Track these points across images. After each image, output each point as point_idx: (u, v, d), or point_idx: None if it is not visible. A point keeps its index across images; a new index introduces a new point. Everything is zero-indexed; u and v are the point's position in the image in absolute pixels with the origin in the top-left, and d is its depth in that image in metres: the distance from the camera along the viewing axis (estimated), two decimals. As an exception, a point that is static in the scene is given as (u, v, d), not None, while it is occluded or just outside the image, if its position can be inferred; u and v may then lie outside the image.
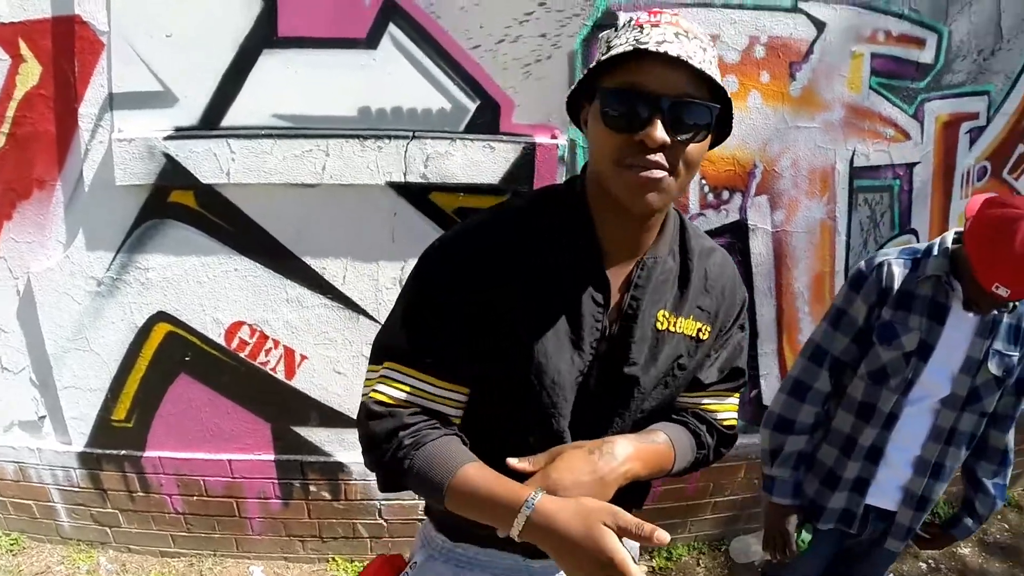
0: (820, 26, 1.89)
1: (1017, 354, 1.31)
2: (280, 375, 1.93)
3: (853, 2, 1.92)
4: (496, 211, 0.91)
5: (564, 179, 1.74)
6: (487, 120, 1.76)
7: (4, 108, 1.83)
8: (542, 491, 0.77)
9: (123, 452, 2.04)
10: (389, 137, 1.69)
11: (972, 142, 2.23)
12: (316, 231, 1.79)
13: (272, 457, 2.02)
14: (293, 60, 1.69)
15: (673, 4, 1.75)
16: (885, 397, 1.34)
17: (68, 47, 1.75)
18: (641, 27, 0.76)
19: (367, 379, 0.89)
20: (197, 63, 1.71)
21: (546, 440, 0.87)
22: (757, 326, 2.07)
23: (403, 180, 1.73)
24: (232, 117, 1.72)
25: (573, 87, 0.82)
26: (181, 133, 1.73)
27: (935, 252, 1.29)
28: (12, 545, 2.28)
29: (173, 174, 1.73)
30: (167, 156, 1.72)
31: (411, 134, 1.71)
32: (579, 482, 0.79)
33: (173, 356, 1.91)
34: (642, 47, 0.72)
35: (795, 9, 1.87)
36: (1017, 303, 1.27)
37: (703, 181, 1.91)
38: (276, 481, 2.04)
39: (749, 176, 1.94)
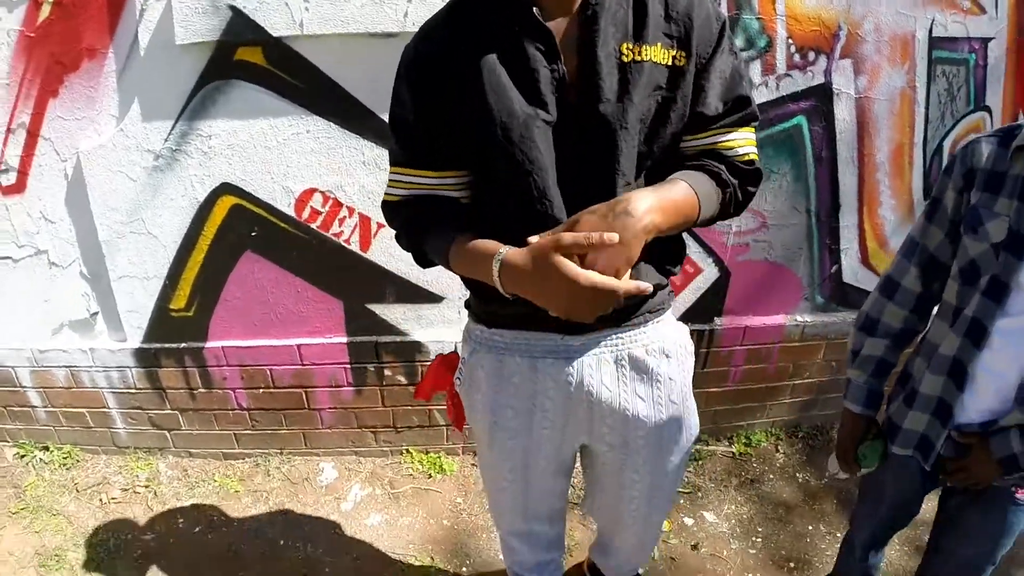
0: None
1: None
2: (355, 246, 1.88)
3: None
4: (443, 7, 0.96)
5: None
6: None
7: (48, -24, 1.78)
8: (507, 248, 0.88)
9: (183, 345, 1.99)
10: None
11: None
12: (394, 85, 1.75)
13: (344, 340, 1.98)
14: (366, -102, 1.65)
15: None
16: (976, 303, 1.08)
17: (118, -101, 1.70)
18: None
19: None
20: (264, -96, 1.66)
21: (546, 204, 0.92)
22: (839, 197, 2.05)
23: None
24: (303, -37, 1.67)
25: None
26: (245, -15, 1.68)
27: None
28: (65, 459, 2.24)
29: (240, 28, 1.67)
30: (232, 8, 1.66)
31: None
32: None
33: (238, 232, 1.86)
34: None
35: None
36: None
37: (790, 40, 1.88)
38: (348, 366, 2.00)
39: (834, 38, 1.92)
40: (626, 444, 1.09)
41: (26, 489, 2.14)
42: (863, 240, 2.14)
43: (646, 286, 0.85)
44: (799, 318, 2.16)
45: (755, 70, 1.88)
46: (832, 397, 2.31)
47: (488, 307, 1.05)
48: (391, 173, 1.03)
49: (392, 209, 1.05)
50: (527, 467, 1.14)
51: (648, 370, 1.05)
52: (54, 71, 1.83)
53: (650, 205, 0.84)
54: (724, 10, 1.82)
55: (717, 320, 2.11)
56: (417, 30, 0.97)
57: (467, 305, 1.15)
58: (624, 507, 1.19)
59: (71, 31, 1.79)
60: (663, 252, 0.99)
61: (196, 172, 1.82)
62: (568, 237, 0.80)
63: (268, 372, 2.00)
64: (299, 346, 1.97)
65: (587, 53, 0.87)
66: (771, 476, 2.19)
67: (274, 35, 1.67)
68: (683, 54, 0.90)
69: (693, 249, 2.02)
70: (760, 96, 1.89)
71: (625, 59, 0.88)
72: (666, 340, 1.08)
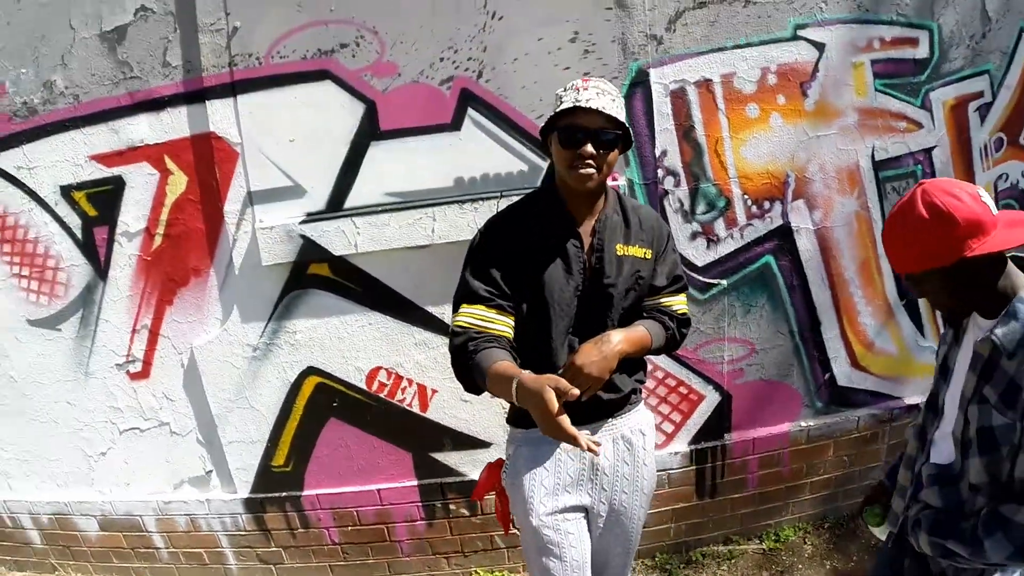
0: (820, 47, 2.25)
1: (1004, 419, 1.10)
2: (416, 409, 2.36)
3: (846, 20, 2.26)
4: (504, 209, 1.58)
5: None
6: None
7: (158, 214, 2.35)
8: (525, 373, 1.29)
9: (284, 494, 2.47)
10: (482, 199, 2.14)
11: (983, 118, 2.52)
12: (432, 283, 2.23)
13: (415, 482, 2.43)
14: (396, 148, 2.16)
15: (691, 54, 2.18)
16: (926, 415, 1.30)
17: (208, 158, 2.26)
18: (578, 89, 1.43)
19: (451, 324, 1.50)
20: (318, 160, 2.19)
21: (561, 336, 1.49)
22: (817, 314, 2.40)
23: (499, 230, 2.17)
24: (353, 199, 2.20)
25: (543, 126, 1.49)
26: (312, 217, 2.21)
27: None
28: (184, 594, 2.72)
29: (309, 251, 2.20)
30: (303, 237, 2.20)
31: (499, 194, 2.15)
32: (592, 361, 1.40)
33: (323, 404, 2.36)
34: (578, 104, 1.40)
35: (795, 38, 2.23)
36: (1002, 343, 1.11)
37: (745, 196, 2.28)
38: (420, 504, 2.45)
39: (784, 185, 2.30)
40: (612, 496, 1.60)
41: (152, 621, 2.62)
42: (849, 347, 2.47)
43: (596, 449, 1.22)
44: (803, 423, 2.48)
45: (719, 227, 2.29)
46: (851, 488, 2.59)
47: (522, 412, 1.44)
48: (461, 310, 1.46)
49: (455, 337, 1.46)
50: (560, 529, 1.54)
51: (632, 444, 1.62)
52: (168, 286, 2.39)
53: (621, 338, 1.46)
54: (684, 185, 2.27)
55: (727, 436, 2.45)
56: (481, 228, 1.54)
57: (508, 420, 1.64)
58: (610, 544, 1.65)
59: (179, 256, 2.35)
60: (634, 369, 1.60)
61: (286, 359, 2.34)
62: (562, 383, 1.20)
63: (355, 513, 2.46)
64: (379, 490, 2.43)
65: (599, 250, 1.51)
66: (801, 566, 2.46)
67: (335, 254, 2.20)
68: (649, 252, 1.57)
69: (694, 381, 2.39)
70: (727, 247, 2.30)
71: (620, 254, 1.52)
72: (642, 423, 1.66)
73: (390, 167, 2.18)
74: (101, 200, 2.36)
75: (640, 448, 1.63)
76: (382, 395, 2.35)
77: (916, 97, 2.39)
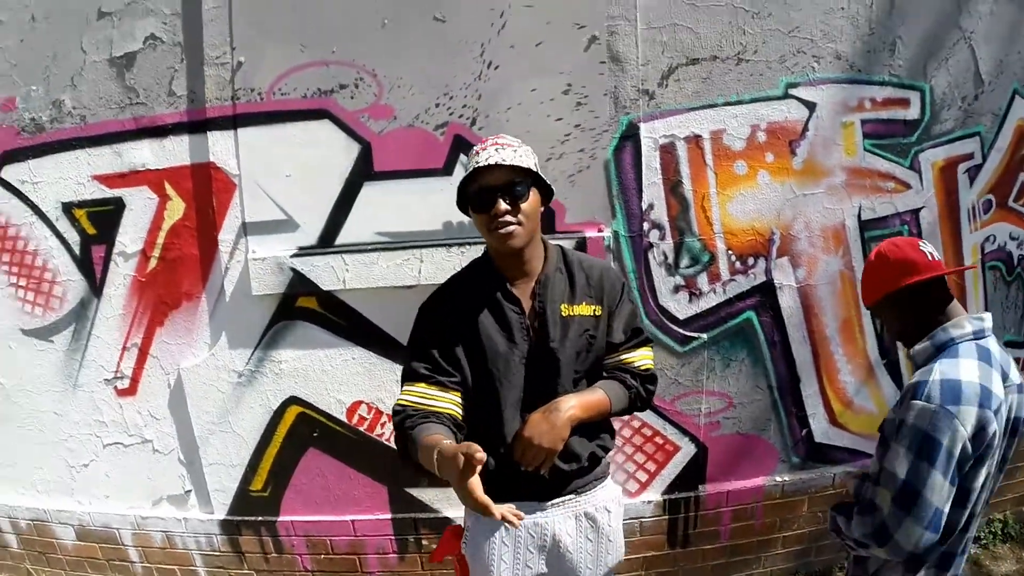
0: (811, 106, 2.34)
1: (893, 414, 1.40)
2: (394, 444, 2.41)
3: (838, 79, 2.35)
4: (446, 282, 1.58)
5: (612, 263, 2.29)
6: (545, 222, 2.25)
7: (155, 237, 2.47)
8: (447, 444, 1.26)
9: (260, 518, 2.57)
10: (469, 244, 2.24)
11: (972, 180, 2.61)
12: (416, 322, 2.35)
13: (389, 516, 2.52)
14: (388, 189, 2.28)
15: (682, 110, 2.29)
16: None
17: (207, 187, 2.38)
18: (477, 153, 1.44)
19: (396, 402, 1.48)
20: (313, 196, 2.31)
21: (512, 407, 1.47)
22: (797, 371, 2.48)
23: (484, 275, 2.28)
24: (344, 236, 2.31)
25: (456, 197, 1.51)
26: (304, 251, 2.32)
27: None
28: (155, 608, 2.82)
29: (299, 284, 2.31)
30: (293, 270, 2.31)
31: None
32: (542, 432, 1.41)
33: (303, 433, 2.46)
34: (477, 165, 1.40)
35: (786, 96, 2.33)
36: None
37: (729, 252, 2.37)
38: (393, 537, 2.53)
39: (769, 242, 2.39)
40: (576, 570, 1.58)
41: (124, 634, 2.72)
42: (828, 404, 2.55)
43: (511, 518, 1.21)
44: (778, 478, 2.55)
45: (703, 281, 2.38)
46: (824, 544, 2.66)
47: (485, 488, 1.31)
48: (405, 387, 1.47)
49: (396, 416, 1.45)
50: None
51: (596, 521, 1.60)
52: (160, 307, 2.51)
53: (571, 404, 1.45)
54: (670, 239, 2.36)
55: (701, 487, 2.53)
56: (432, 291, 1.55)
57: None
58: None
59: (172, 279, 2.47)
60: (594, 432, 1.55)
61: (270, 388, 2.45)
62: (472, 447, 1.15)
63: (328, 541, 2.55)
64: (353, 521, 2.52)
65: (540, 312, 1.49)
66: (768, 618, 2.54)
67: (324, 289, 2.31)
68: (599, 308, 1.53)
69: (670, 432, 2.47)
70: (709, 301, 2.39)
71: (564, 315, 1.49)
72: (608, 499, 1.63)
73: (382, 207, 2.29)
74: (101, 219, 2.48)
75: (605, 525, 1.61)
76: (361, 428, 2.45)
77: (905, 158, 2.48)
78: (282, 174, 2.31)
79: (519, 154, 1.43)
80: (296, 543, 2.56)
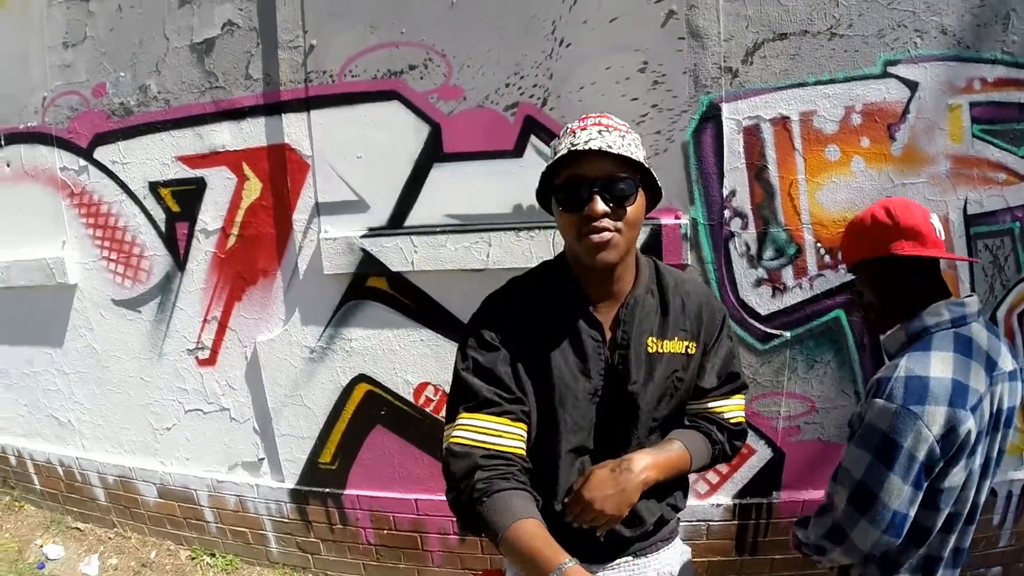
0: (912, 86, 2.25)
1: (857, 409, 1.36)
2: None
3: (943, 56, 2.23)
4: (505, 285, 1.34)
5: (689, 253, 2.35)
6: None
7: (233, 215, 2.74)
8: (573, 561, 1.04)
9: (327, 490, 2.83)
10: (539, 228, 2.36)
11: None
12: (483, 306, 2.51)
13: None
14: (457, 170, 2.42)
15: (768, 89, 2.27)
16: None
17: (282, 168, 2.60)
18: (574, 132, 1.20)
19: (444, 436, 1.25)
20: (383, 177, 2.49)
21: (571, 454, 1.26)
22: (883, 375, 2.48)
23: (552, 261, 2.40)
24: (413, 218, 2.48)
25: (537, 187, 1.27)
26: (374, 232, 2.51)
27: None
28: (227, 565, 3.19)
29: (368, 264, 2.51)
30: (363, 251, 2.52)
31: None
32: (606, 495, 1.20)
33: (371, 411, 2.69)
34: (574, 148, 1.15)
35: (885, 75, 2.25)
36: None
37: (818, 244, 2.35)
38: (454, 519, 2.73)
39: None
40: None
41: (196, 587, 3.09)
42: None
43: None
44: None
45: (787, 275, 2.38)
46: None
47: None
48: (460, 419, 1.21)
49: (455, 458, 1.19)
50: None
51: None
52: (238, 283, 2.79)
53: (647, 464, 1.23)
54: (752, 228, 2.37)
55: (775, 494, 2.56)
56: (477, 310, 1.31)
57: None
58: None
59: (250, 256, 2.73)
60: (666, 491, 1.35)
61: (340, 365, 2.68)
62: None
63: (392, 518, 2.78)
64: (416, 500, 2.74)
65: (624, 345, 1.26)
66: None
67: (393, 270, 2.49)
68: (694, 345, 1.32)
69: None
70: (794, 297, 2.39)
71: (651, 351, 1.28)
72: (672, 563, 1.45)
73: (451, 189, 2.44)
74: (184, 198, 2.77)
75: None
76: (428, 409, 2.64)
77: (1020, 146, 2.34)
78: (353, 156, 2.51)
79: (627, 141, 1.20)
80: (360, 517, 2.82)
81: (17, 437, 3.64)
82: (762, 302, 2.43)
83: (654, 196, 1.30)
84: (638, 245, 2.27)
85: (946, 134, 2.32)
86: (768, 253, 2.40)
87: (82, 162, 2.96)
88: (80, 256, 3.08)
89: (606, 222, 1.17)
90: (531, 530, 1.11)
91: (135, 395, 3.14)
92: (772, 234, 2.38)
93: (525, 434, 1.25)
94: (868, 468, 1.26)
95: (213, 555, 3.21)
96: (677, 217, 2.37)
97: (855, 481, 1.29)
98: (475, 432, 1.21)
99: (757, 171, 2.35)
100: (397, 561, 2.85)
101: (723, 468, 2.59)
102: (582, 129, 1.21)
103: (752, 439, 2.54)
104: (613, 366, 1.28)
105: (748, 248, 2.40)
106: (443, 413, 2.64)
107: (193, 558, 3.24)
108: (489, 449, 1.19)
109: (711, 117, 2.32)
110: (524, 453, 1.24)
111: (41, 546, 3.42)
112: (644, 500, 1.29)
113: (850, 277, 2.34)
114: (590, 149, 1.15)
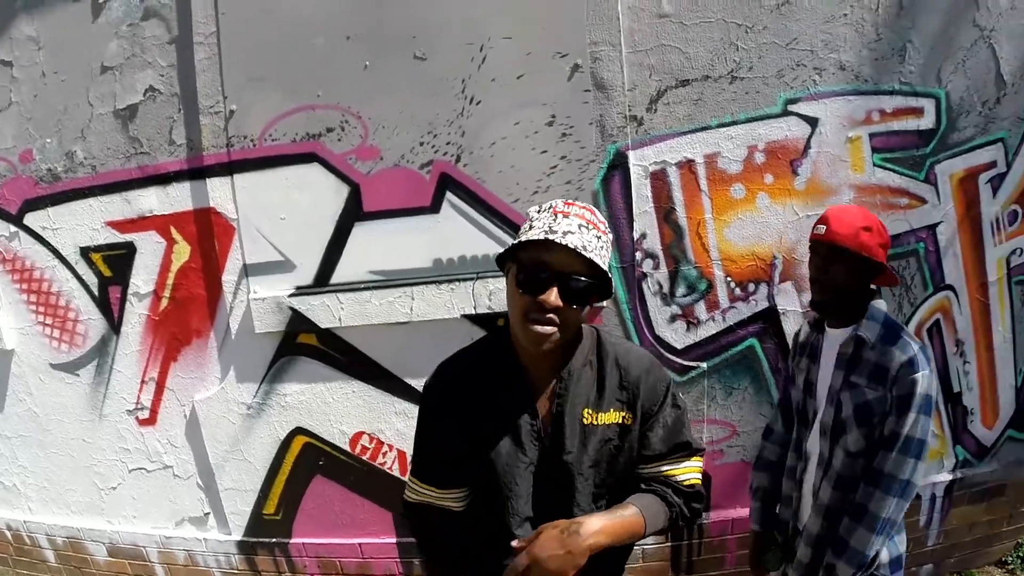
0: (812, 122, 2.44)
1: (876, 393, 1.65)
2: (396, 472, 2.81)
3: (842, 92, 2.43)
4: (455, 358, 1.45)
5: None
6: None
7: (164, 278, 2.89)
8: None
9: (274, 540, 2.98)
10: (459, 280, 2.54)
11: (995, 190, 2.64)
12: (411, 356, 2.67)
13: (395, 540, 2.89)
14: (378, 228, 2.60)
15: (673, 134, 2.47)
16: (800, 431, 1.87)
17: (209, 231, 2.75)
18: (556, 215, 1.23)
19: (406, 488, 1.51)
20: (307, 237, 2.65)
21: (519, 520, 1.37)
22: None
23: (474, 311, 2.56)
24: (338, 275, 2.65)
25: (502, 252, 1.30)
26: (301, 291, 2.67)
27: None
28: (183, 620, 3.34)
29: (298, 322, 2.67)
30: (292, 309, 2.68)
31: (475, 275, 2.55)
32: (553, 555, 1.22)
33: (310, 461, 2.85)
34: (551, 237, 1.18)
35: (786, 113, 2.44)
36: (868, 339, 1.68)
37: (728, 278, 2.56)
38: (399, 560, 2.91)
39: (771, 267, 2.55)
40: None
41: (155, 644, 3.22)
42: None
43: None
44: None
45: (700, 309, 2.59)
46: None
47: None
48: (415, 484, 1.46)
49: (408, 507, 1.50)
50: None
51: None
52: (173, 344, 2.93)
53: (597, 528, 1.26)
54: (664, 268, 2.56)
55: (705, 515, 2.77)
56: (429, 379, 1.44)
57: None
58: None
59: (183, 318, 2.87)
60: (614, 562, 1.43)
61: (277, 419, 2.84)
62: None
63: (338, 563, 2.94)
64: (360, 544, 2.91)
65: (558, 417, 1.34)
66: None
67: (322, 327, 2.66)
68: (630, 415, 1.37)
69: None
70: (708, 329, 2.60)
71: (585, 422, 1.35)
72: None
73: (373, 246, 2.61)
74: (115, 262, 2.90)
75: None
76: (364, 457, 2.82)
77: (920, 171, 2.52)
78: (277, 217, 2.67)
79: (601, 244, 1.25)
80: (308, 563, 2.98)
81: (-38, 503, 3.73)
82: (677, 337, 2.64)
83: (602, 295, 1.35)
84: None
85: (848, 165, 2.51)
86: (680, 290, 2.61)
87: (12, 228, 3.07)
88: (15, 321, 3.20)
89: (552, 316, 1.23)
90: None
91: (78, 457, 3.26)
92: (683, 272, 2.59)
93: (463, 495, 1.44)
94: (923, 426, 1.63)
95: (167, 611, 3.35)
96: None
97: (922, 442, 1.63)
98: (415, 493, 1.46)
99: (665, 213, 2.55)
100: (346, 606, 3.03)
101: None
102: (564, 216, 1.24)
103: (678, 467, 2.75)
104: (549, 437, 1.36)
105: (661, 287, 2.61)
106: (379, 460, 2.86)
107: (147, 617, 3.38)
108: (425, 504, 1.45)
109: (619, 165, 2.51)
110: (456, 507, 1.45)
111: (-8, 613, 3.53)
112: (592, 567, 1.30)
113: (761, 308, 2.59)
114: (565, 244, 1.20)
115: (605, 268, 1.25)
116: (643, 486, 1.41)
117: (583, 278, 1.22)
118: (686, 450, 1.43)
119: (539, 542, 1.25)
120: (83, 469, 3.27)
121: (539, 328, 1.23)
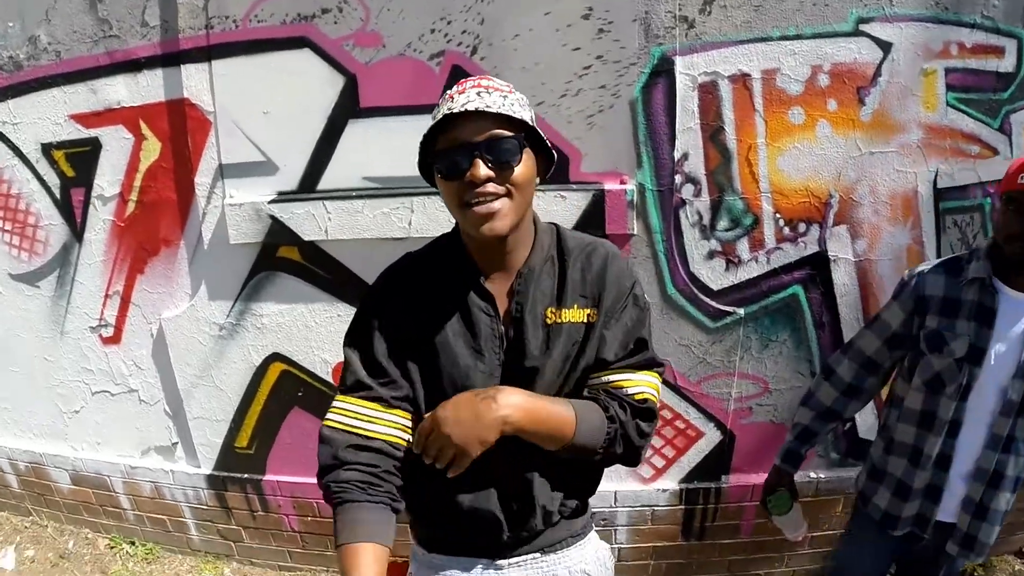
0: (886, 47, 2.07)
1: None
2: None
3: (919, 17, 2.06)
4: (402, 259, 1.26)
5: (635, 222, 2.16)
6: (557, 171, 2.14)
7: (131, 180, 2.46)
8: None
9: (246, 476, 2.63)
10: (467, 192, 2.15)
11: None
12: (405, 279, 2.29)
13: None
14: (377, 127, 2.17)
15: (728, 43, 2.06)
16: (944, 405, 1.54)
17: (181, 126, 2.32)
18: (452, 97, 1.09)
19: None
20: (293, 135, 2.22)
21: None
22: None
23: (480, 229, 2.18)
24: (327, 181, 2.23)
25: (418, 158, 1.16)
26: (283, 197, 2.26)
27: (976, 258, 1.52)
28: (147, 554, 2.99)
29: (278, 233, 2.26)
30: (272, 217, 2.26)
31: (486, 188, 2.17)
32: (458, 418, 1.07)
33: (288, 392, 2.47)
34: (450, 112, 1.05)
35: (857, 32, 2.06)
36: None
37: (777, 215, 2.16)
38: None
39: (825, 207, 2.16)
40: None
41: (111, 576, 2.91)
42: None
43: None
44: (813, 474, 2.41)
45: (743, 247, 2.19)
46: None
47: (427, 531, 1.28)
48: (335, 402, 1.15)
49: (322, 444, 1.14)
50: None
51: None
52: (140, 254, 2.52)
53: (515, 403, 1.09)
54: (706, 196, 2.16)
55: (724, 478, 2.42)
56: (381, 274, 1.23)
57: (411, 527, 1.34)
58: None
59: (151, 225, 2.46)
60: (575, 486, 1.27)
61: (252, 343, 2.44)
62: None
63: (315, 504, 2.59)
64: (338, 487, 2.57)
65: (518, 318, 1.16)
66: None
67: (305, 239, 2.25)
68: (594, 312, 1.19)
69: (693, 416, 2.34)
70: (749, 271, 2.20)
71: (548, 321, 1.17)
72: (587, 560, 1.32)
73: (369, 149, 2.18)
74: (79, 161, 2.48)
75: None
76: (347, 391, 2.45)
77: (994, 118, 2.20)
78: (260, 111, 2.23)
79: (510, 101, 1.09)
80: (283, 503, 2.63)
81: (-79, 420, 3.38)
82: (714, 276, 2.25)
83: (548, 158, 1.19)
84: (579, 213, 2.03)
85: (919, 100, 2.14)
86: (722, 223, 2.20)
87: (-29, 122, 2.66)
88: (-28, 225, 2.80)
89: (491, 187, 1.07)
90: (356, 561, 1.07)
91: (40, 377, 2.88)
92: (727, 202, 2.18)
93: (406, 421, 1.18)
94: None
95: (133, 543, 3.02)
96: (622, 182, 2.15)
97: None
98: (346, 416, 1.15)
99: (713, 132, 2.14)
100: (323, 548, 2.68)
101: (669, 452, 2.45)
102: (460, 93, 1.09)
103: (701, 421, 2.38)
104: (509, 341, 1.18)
105: (700, 217, 2.20)
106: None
107: (112, 547, 3.05)
108: (359, 434, 1.14)
109: (663, 71, 2.09)
110: (401, 442, 1.17)
111: (-50, 538, 3.21)
112: (540, 483, 1.21)
113: (810, 252, 2.22)
114: (468, 111, 1.05)
115: (525, 118, 1.09)
116: (586, 393, 1.23)
117: (503, 137, 1.07)
118: (643, 353, 1.24)
119: (444, 406, 1.10)
120: (44, 390, 2.91)
121: (480, 208, 1.07)
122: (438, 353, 1.17)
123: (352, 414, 1.15)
